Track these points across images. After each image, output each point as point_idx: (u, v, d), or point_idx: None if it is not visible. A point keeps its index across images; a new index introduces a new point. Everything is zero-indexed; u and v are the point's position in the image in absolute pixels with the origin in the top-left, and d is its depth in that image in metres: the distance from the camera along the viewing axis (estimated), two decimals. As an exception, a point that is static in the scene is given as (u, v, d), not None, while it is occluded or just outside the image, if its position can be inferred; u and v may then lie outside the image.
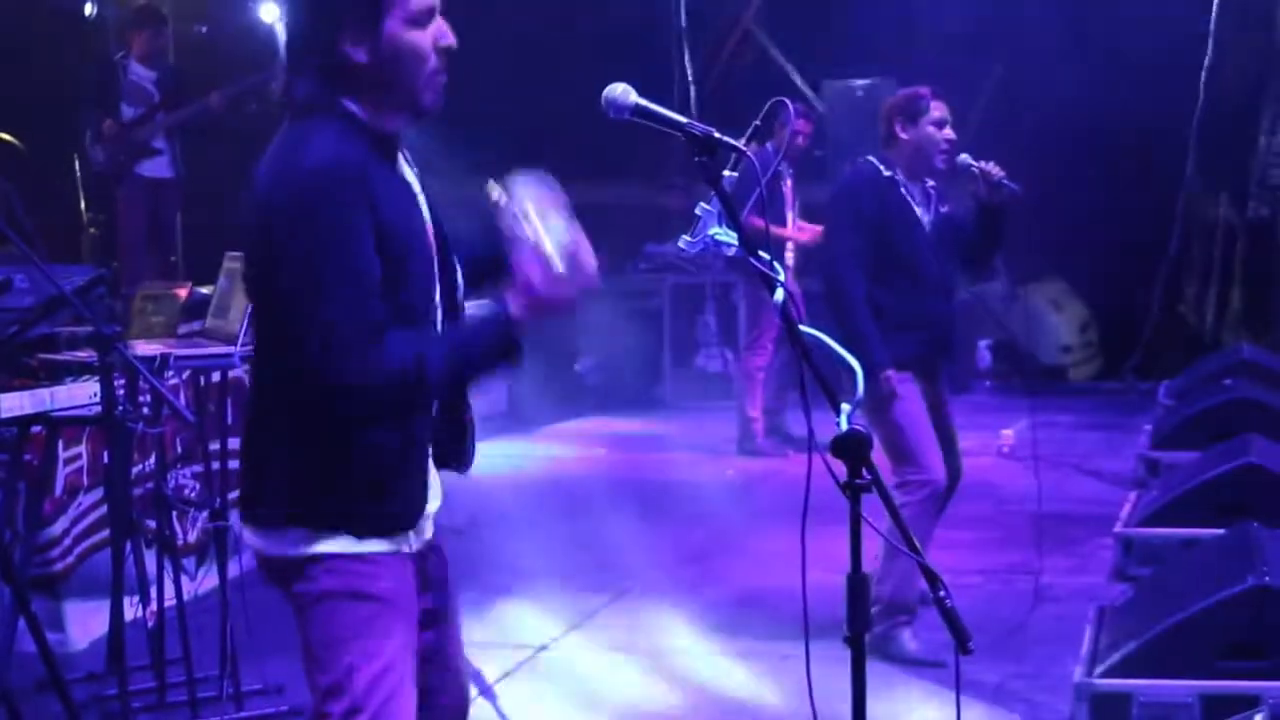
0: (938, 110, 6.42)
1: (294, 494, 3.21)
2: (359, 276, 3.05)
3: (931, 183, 6.53)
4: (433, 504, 3.35)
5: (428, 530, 3.39)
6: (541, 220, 3.17)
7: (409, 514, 3.28)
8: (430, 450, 3.31)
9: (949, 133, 6.42)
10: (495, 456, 10.96)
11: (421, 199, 3.29)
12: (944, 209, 6.55)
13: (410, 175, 3.30)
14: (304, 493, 3.20)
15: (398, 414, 3.17)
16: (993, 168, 6.31)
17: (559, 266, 3.13)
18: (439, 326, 3.28)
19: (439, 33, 3.20)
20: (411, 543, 3.31)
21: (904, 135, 6.43)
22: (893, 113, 6.48)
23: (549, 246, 3.13)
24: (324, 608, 3.23)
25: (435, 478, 3.37)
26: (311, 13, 3.17)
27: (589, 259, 3.19)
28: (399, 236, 3.13)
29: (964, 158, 6.38)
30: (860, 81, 13.57)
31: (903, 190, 6.42)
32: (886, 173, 6.43)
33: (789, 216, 10.68)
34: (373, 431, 3.16)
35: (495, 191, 3.27)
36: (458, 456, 3.41)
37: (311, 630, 3.26)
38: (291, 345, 3.10)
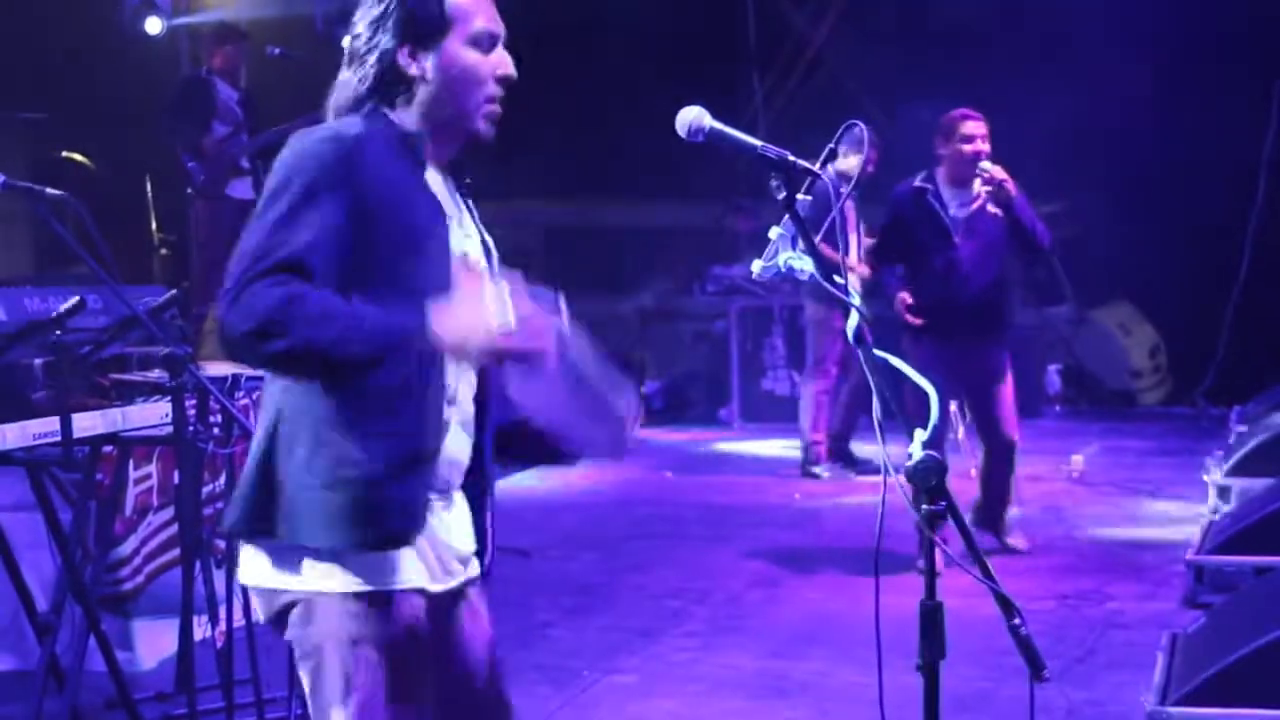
0: (968, 129, 7.89)
1: (274, 518, 3.06)
2: (296, 228, 2.93)
3: (987, 188, 7.80)
4: (453, 538, 3.22)
5: (457, 570, 3.25)
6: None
7: (392, 541, 3.08)
8: (431, 480, 3.14)
9: (977, 147, 7.85)
10: (562, 478, 10.96)
11: (457, 224, 3.21)
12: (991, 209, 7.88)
13: (453, 201, 3.25)
14: (290, 517, 3.04)
15: (284, 357, 2.91)
16: (995, 172, 7.75)
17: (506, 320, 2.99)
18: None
19: (499, 61, 3.20)
20: (425, 580, 3.16)
21: (942, 151, 8.01)
22: (936, 133, 8.05)
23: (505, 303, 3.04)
24: (318, 656, 3.10)
25: (457, 519, 3.25)
26: (375, 23, 3.16)
27: (542, 329, 3.04)
28: (389, 221, 3.03)
29: (982, 165, 7.80)
30: (930, 105, 13.53)
31: (930, 197, 7.98)
32: (919, 184, 8.05)
33: (851, 239, 10.65)
34: (357, 447, 3.01)
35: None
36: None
37: (308, 679, 3.13)
38: None
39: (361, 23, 3.18)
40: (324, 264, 2.95)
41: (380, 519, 3.04)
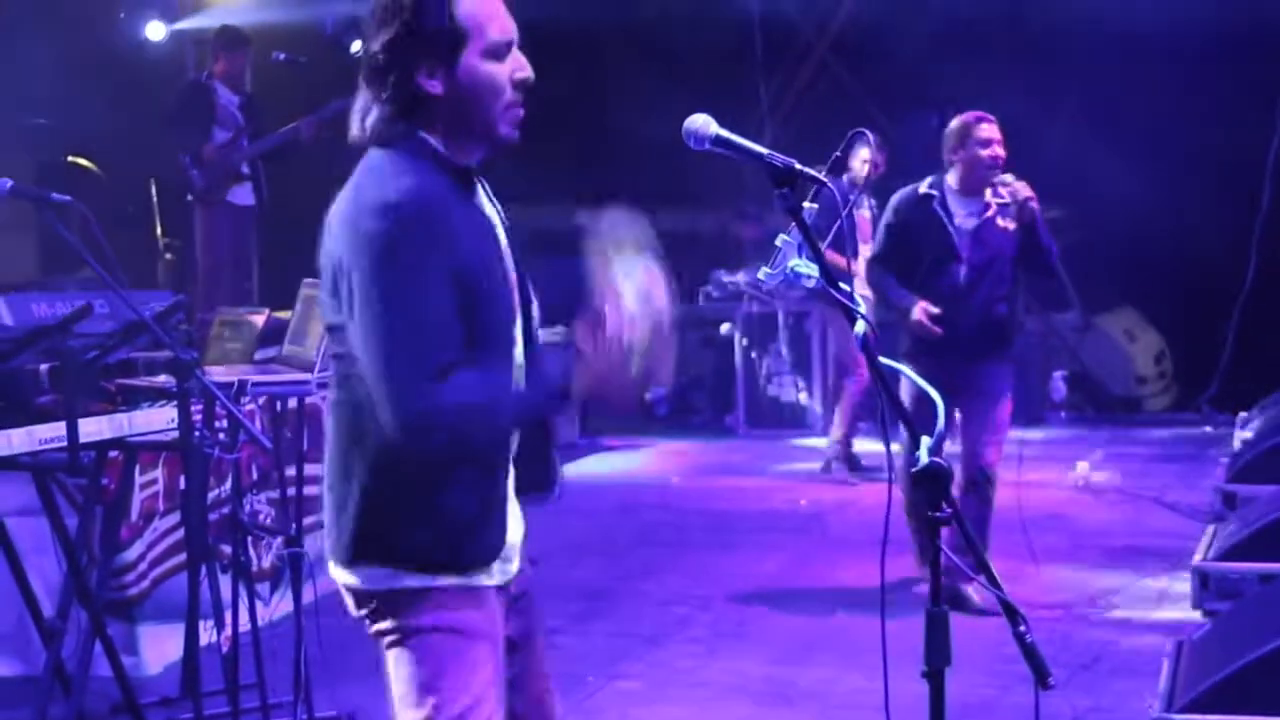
0: (984, 132, 7.34)
1: (372, 530, 3.20)
2: (429, 316, 3.04)
3: (1002, 199, 7.33)
4: (514, 535, 3.35)
5: (515, 562, 3.39)
6: (628, 279, 3.22)
7: (486, 553, 3.26)
8: (508, 485, 3.31)
9: (995, 151, 7.32)
10: (568, 484, 10.96)
11: (501, 232, 3.28)
12: (1004, 222, 7.37)
13: (490, 208, 3.30)
14: (382, 529, 3.19)
15: (470, 451, 3.16)
16: (1019, 189, 7.28)
17: (636, 347, 3.20)
18: (518, 360, 3.27)
19: (516, 65, 3.20)
20: (495, 574, 3.30)
21: (954, 157, 7.44)
22: (946, 138, 7.49)
23: (629, 311, 3.19)
24: (407, 644, 3.23)
25: (515, 509, 3.37)
26: (389, 44, 3.14)
27: (664, 349, 3.33)
28: (478, 273, 3.12)
29: (1004, 179, 7.33)
30: (936, 110, 13.53)
31: (936, 205, 7.41)
32: (925, 191, 7.48)
33: (863, 249, 10.63)
34: (447, 472, 3.16)
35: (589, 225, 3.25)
36: (541, 482, 3.47)
37: (396, 667, 3.25)
38: (365, 378, 3.10)
39: (376, 42, 3.16)
40: (462, 333, 3.10)
41: (482, 537, 3.26)
